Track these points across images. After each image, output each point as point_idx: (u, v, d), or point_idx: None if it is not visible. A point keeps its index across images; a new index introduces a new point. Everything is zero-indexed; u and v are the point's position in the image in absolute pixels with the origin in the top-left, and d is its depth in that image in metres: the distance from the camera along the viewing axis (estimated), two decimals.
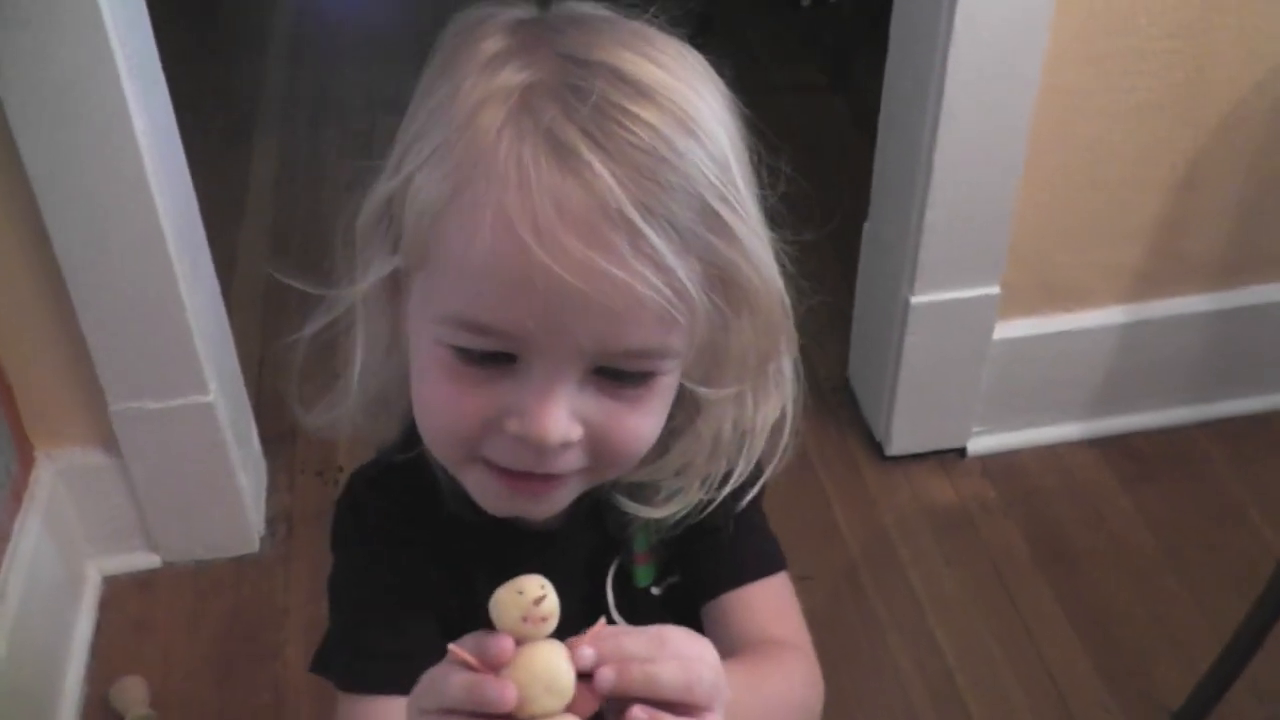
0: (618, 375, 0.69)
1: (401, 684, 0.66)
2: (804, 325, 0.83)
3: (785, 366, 0.81)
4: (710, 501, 0.83)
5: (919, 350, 1.75)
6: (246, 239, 2.40)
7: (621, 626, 0.68)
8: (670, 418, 0.76)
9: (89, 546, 1.76)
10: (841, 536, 1.80)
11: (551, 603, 0.60)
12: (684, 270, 0.65)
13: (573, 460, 0.71)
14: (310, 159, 2.64)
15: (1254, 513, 1.80)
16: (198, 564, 1.79)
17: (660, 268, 0.64)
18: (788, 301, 0.76)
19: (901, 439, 1.86)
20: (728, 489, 0.82)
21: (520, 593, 0.60)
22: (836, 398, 2.00)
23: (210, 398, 1.65)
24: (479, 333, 0.67)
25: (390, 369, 0.77)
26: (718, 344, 0.73)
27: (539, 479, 0.71)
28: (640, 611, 0.88)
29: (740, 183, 0.69)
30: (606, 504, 0.83)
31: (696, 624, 0.91)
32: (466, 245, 0.65)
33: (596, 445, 0.71)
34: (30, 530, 1.60)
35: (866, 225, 1.83)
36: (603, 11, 0.73)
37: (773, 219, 0.76)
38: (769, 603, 0.92)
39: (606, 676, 0.60)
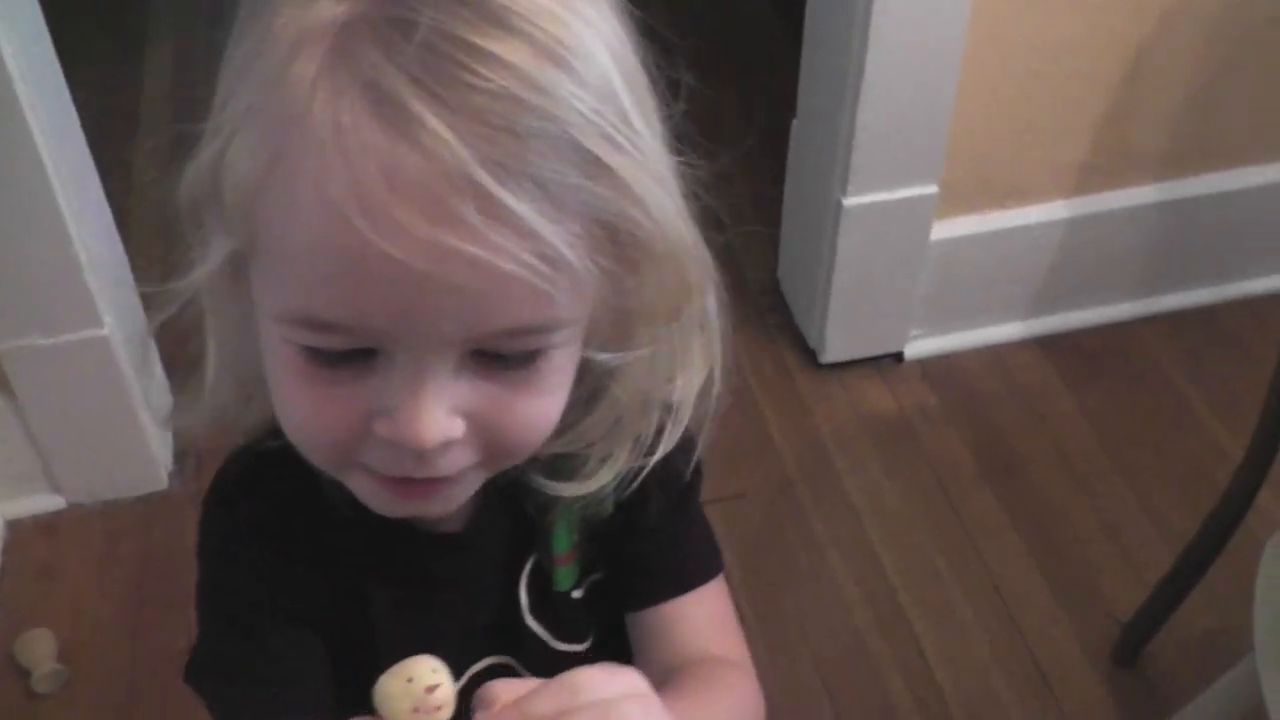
0: (499, 358, 0.58)
1: (277, 712, 0.58)
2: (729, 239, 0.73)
3: (709, 306, 0.70)
4: (640, 470, 0.72)
5: (852, 254, 1.67)
6: (143, 154, 2.26)
7: (522, 683, 0.56)
8: (580, 384, 0.66)
9: None
10: (775, 450, 1.73)
11: (446, 691, 0.54)
12: (558, 234, 0.53)
13: (460, 459, 0.60)
14: (211, 65, 2.49)
15: (1201, 409, 1.75)
16: (105, 504, 1.70)
17: (526, 235, 0.53)
18: (698, 242, 0.65)
19: (836, 346, 1.79)
20: (660, 452, 0.71)
21: (410, 680, 0.54)
22: (766, 301, 1.92)
23: (105, 331, 1.55)
24: (321, 330, 0.56)
25: (256, 351, 0.64)
26: (617, 306, 0.62)
27: (425, 482, 0.61)
28: (561, 617, 0.78)
29: (632, 111, 0.57)
30: (525, 486, 0.72)
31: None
32: (288, 229, 0.54)
33: (486, 437, 0.60)
34: None
35: (795, 123, 1.74)
36: None
37: (681, 139, 0.64)
38: (710, 614, 0.81)
39: None
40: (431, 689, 0.53)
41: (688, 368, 0.70)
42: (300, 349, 0.57)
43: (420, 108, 0.51)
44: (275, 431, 0.66)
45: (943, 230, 1.69)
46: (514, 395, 0.59)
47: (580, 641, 0.80)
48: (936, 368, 1.82)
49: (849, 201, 1.61)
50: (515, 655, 0.78)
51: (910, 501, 1.66)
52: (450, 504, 0.65)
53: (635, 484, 0.73)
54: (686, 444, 0.75)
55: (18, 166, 1.39)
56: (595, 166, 0.55)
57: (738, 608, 1.46)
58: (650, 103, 0.60)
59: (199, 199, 0.60)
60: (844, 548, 1.61)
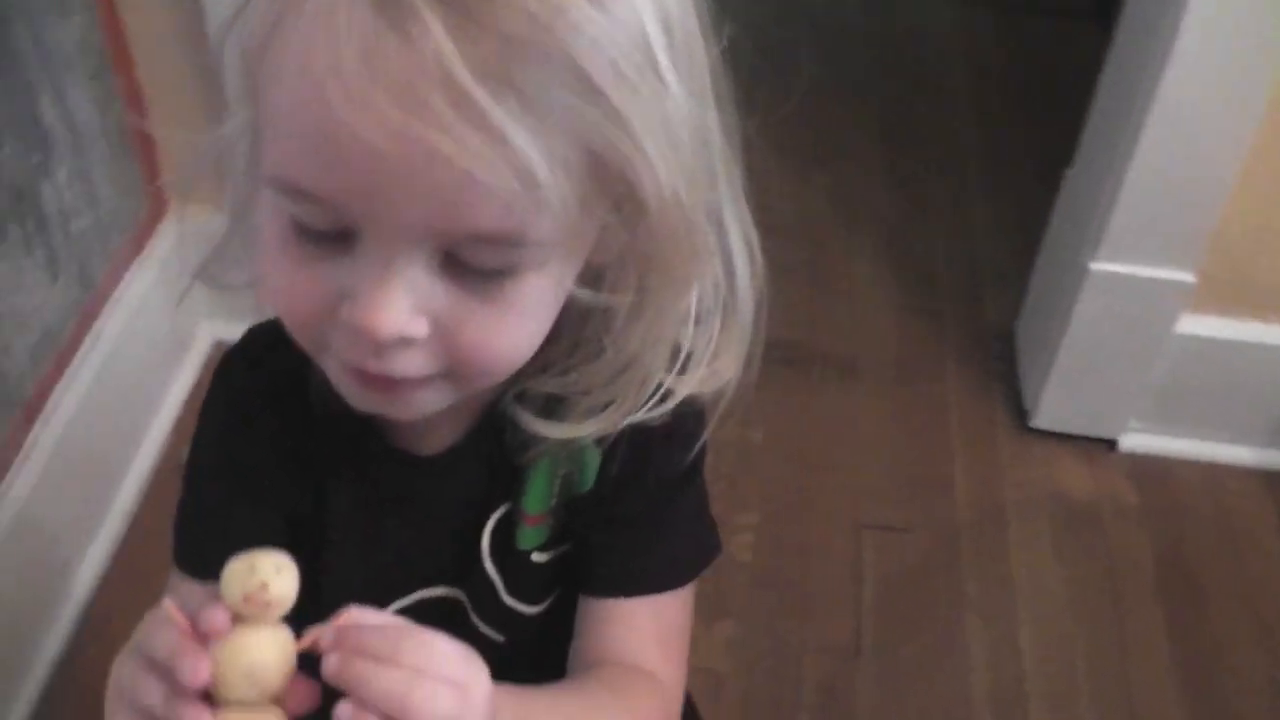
0: (470, 268, 0.58)
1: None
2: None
3: (742, 303, 0.69)
4: (623, 434, 0.71)
5: (1088, 323, 1.57)
6: None
7: (383, 617, 0.57)
8: (582, 327, 0.67)
9: (205, 308, 1.74)
10: (954, 497, 1.65)
11: (281, 589, 0.54)
12: (534, 145, 0.53)
13: (417, 363, 0.60)
14: None
15: None
16: None
17: (497, 140, 0.52)
18: (698, 219, 0.63)
19: (1050, 413, 1.69)
20: (639, 414, 0.70)
21: (252, 569, 0.54)
22: (996, 347, 1.83)
23: None
24: (301, 199, 0.57)
25: None
26: (604, 248, 0.62)
27: (384, 379, 0.61)
28: (519, 574, 0.78)
29: (661, 56, 0.56)
30: (510, 421, 0.72)
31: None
32: (276, 94, 0.56)
33: (448, 348, 0.60)
34: (143, 282, 1.59)
35: (1069, 171, 1.65)
36: None
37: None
38: (659, 625, 0.78)
39: (330, 663, 0.54)
40: (264, 585, 0.54)
41: (701, 351, 0.69)
42: (287, 221, 0.58)
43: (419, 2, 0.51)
44: None
45: (1190, 325, 1.58)
46: (480, 308, 0.59)
47: (533, 604, 0.79)
48: (1147, 466, 1.69)
49: (1095, 266, 1.52)
50: (466, 593, 0.79)
51: (1073, 592, 1.56)
52: (412, 409, 0.64)
53: (614, 448, 0.73)
54: (686, 439, 0.74)
55: None
56: (592, 92, 0.54)
57: (858, 635, 1.42)
58: (696, 65, 0.60)
59: (233, 57, 0.61)
60: (987, 615, 1.53)
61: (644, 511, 0.76)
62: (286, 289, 0.61)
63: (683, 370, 0.70)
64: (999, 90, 2.38)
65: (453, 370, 0.61)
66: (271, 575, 0.54)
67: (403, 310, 0.57)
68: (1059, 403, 1.68)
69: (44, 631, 1.39)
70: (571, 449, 0.73)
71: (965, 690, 1.45)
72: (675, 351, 0.69)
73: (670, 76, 0.57)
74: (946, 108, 2.35)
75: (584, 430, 0.69)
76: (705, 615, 1.47)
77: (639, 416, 0.69)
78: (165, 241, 1.64)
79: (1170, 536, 1.62)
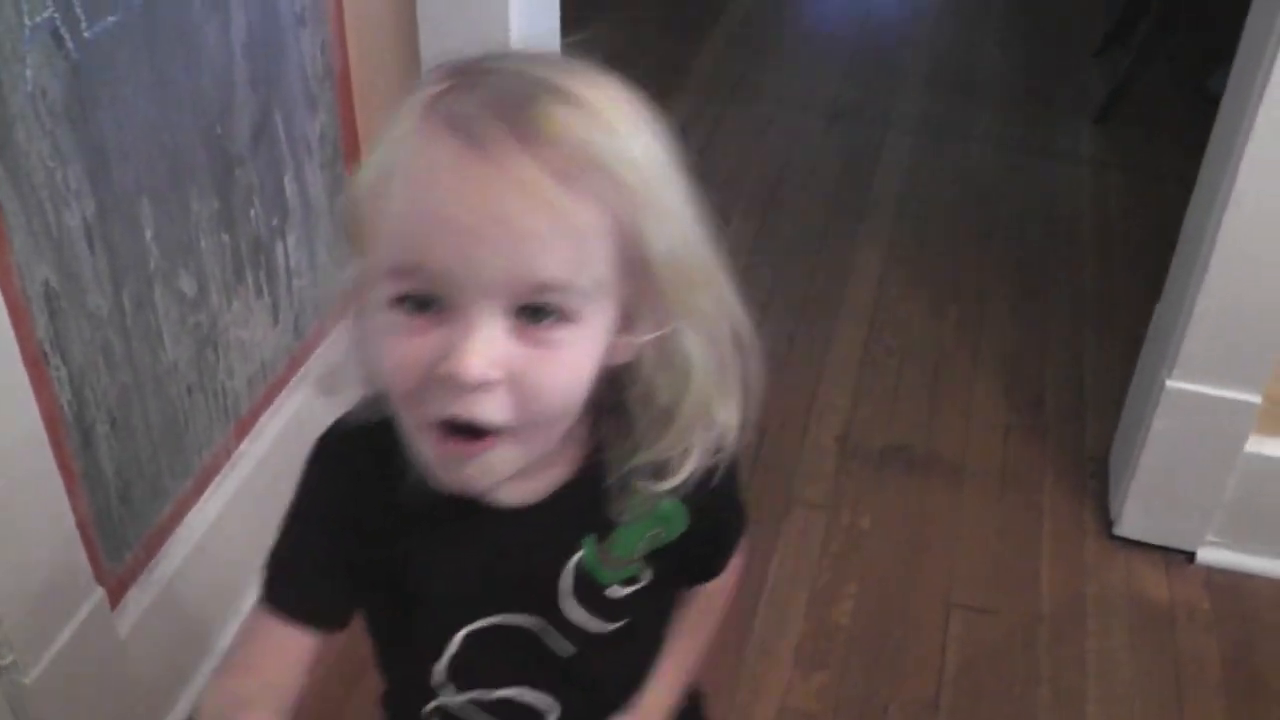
0: (534, 314, 0.73)
1: (302, 615, 0.83)
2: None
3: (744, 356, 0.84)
4: (706, 474, 0.85)
5: (1166, 438, 1.75)
6: None
7: None
8: (640, 408, 0.82)
9: None
10: (1039, 588, 1.82)
11: None
12: (581, 218, 0.72)
13: (497, 408, 0.74)
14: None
15: None
16: None
17: (557, 214, 0.71)
18: (696, 278, 0.79)
19: (1132, 522, 1.86)
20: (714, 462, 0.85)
21: None
22: (1092, 467, 2.01)
23: None
24: (410, 273, 0.73)
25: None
26: (622, 295, 0.78)
27: (469, 438, 0.76)
28: (596, 604, 0.90)
29: (667, 170, 0.77)
30: (606, 494, 0.86)
31: (662, 612, 0.99)
32: (385, 205, 0.74)
33: (517, 393, 0.74)
34: (343, 339, 1.87)
35: (1158, 305, 1.84)
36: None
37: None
38: (730, 570, 1.03)
39: None
40: None
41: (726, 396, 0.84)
42: (393, 304, 0.74)
43: (485, 124, 0.71)
44: (370, 405, 0.84)
45: (1260, 445, 1.73)
46: (543, 354, 0.74)
47: (607, 622, 0.92)
48: (1223, 580, 1.84)
49: (1171, 384, 1.70)
50: (543, 620, 0.90)
51: (1141, 683, 1.70)
52: (486, 473, 0.78)
53: (693, 494, 0.86)
54: (733, 463, 0.90)
55: None
56: (621, 185, 0.73)
57: (938, 696, 1.59)
58: (681, 179, 0.79)
59: (347, 224, 0.81)
60: (1059, 691, 1.68)
61: (717, 528, 0.96)
62: (398, 358, 0.75)
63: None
64: (1122, 242, 2.60)
65: (520, 419, 0.75)
66: None
67: (484, 356, 0.72)
68: (1140, 513, 1.84)
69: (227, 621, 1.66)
70: (660, 503, 0.87)
71: None
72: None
73: (672, 178, 0.77)
74: (1073, 256, 2.58)
75: (677, 479, 0.84)
76: (804, 666, 1.68)
77: (707, 460, 0.85)
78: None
79: (1239, 642, 1.76)
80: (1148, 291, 1.84)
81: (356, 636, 0.94)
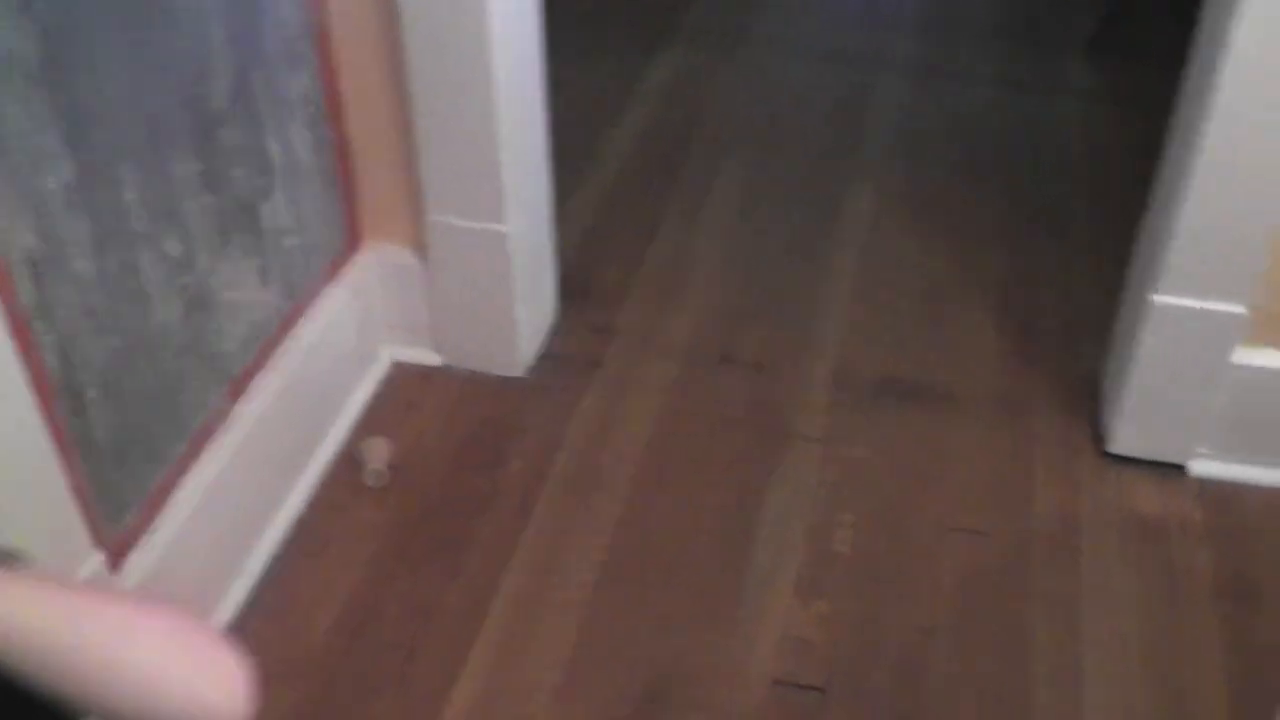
0: None
1: None
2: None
3: None
4: None
5: (1154, 354, 1.76)
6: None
7: None
8: None
9: (386, 332, 2.06)
10: (1031, 508, 1.84)
11: None
12: None
13: None
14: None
15: None
16: (469, 373, 2.05)
17: None
18: None
19: (1124, 439, 1.87)
20: None
21: None
22: (1085, 389, 2.02)
23: (505, 228, 1.89)
24: None
25: None
26: None
27: None
28: None
29: None
30: None
31: None
32: None
33: None
34: (337, 300, 1.89)
35: (1143, 222, 1.85)
36: None
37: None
38: None
39: None
40: None
41: None
42: None
43: None
44: None
45: (1246, 356, 1.75)
46: None
47: None
48: (1214, 491, 1.86)
49: (1158, 299, 1.71)
50: None
51: (1133, 592, 1.73)
52: None
53: None
54: None
55: (474, 83, 1.75)
56: None
57: (934, 617, 1.60)
58: None
59: None
60: (1050, 603, 1.71)
61: None
62: None
63: None
64: (1112, 171, 2.60)
65: None
66: None
67: None
68: (1131, 430, 1.86)
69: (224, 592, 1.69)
70: None
71: (1025, 669, 1.63)
72: None
73: None
74: (1063, 186, 2.58)
75: None
76: (804, 595, 1.70)
77: None
78: (358, 271, 1.95)
79: (1231, 551, 1.78)
80: (1138, 218, 1.85)
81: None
